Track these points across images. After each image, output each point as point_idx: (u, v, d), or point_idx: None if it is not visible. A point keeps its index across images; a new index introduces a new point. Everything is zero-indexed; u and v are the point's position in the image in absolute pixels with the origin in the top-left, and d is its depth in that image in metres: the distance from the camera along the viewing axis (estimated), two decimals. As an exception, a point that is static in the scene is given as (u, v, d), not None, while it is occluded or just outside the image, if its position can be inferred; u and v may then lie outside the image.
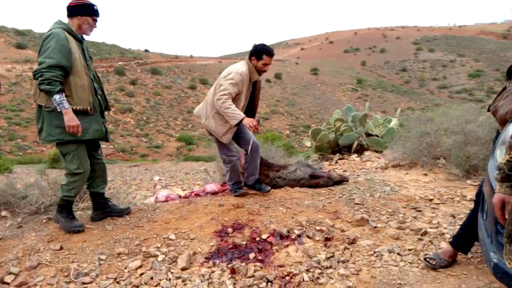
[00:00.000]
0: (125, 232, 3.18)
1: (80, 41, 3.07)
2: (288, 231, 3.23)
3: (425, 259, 2.70)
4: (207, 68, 70.25)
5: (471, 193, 3.98)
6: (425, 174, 4.74)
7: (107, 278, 2.55)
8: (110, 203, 3.47)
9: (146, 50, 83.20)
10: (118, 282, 2.51)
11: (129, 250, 2.91)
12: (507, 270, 1.80)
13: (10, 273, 2.56)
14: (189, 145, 40.07)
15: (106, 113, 3.33)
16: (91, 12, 3.06)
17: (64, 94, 2.85)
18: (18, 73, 48.45)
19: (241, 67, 3.72)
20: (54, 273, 2.61)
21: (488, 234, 2.04)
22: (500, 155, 2.21)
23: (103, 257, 2.79)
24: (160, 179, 11.07)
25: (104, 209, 3.41)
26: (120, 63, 59.15)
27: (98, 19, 3.14)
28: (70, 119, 2.85)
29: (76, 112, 2.93)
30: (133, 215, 3.50)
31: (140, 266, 2.70)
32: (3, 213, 3.48)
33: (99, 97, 3.16)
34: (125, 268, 2.68)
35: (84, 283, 2.49)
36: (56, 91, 2.79)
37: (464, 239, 2.68)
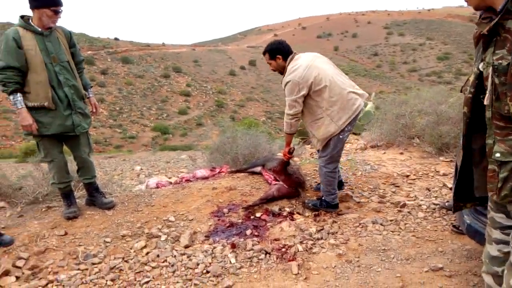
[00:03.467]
0: (126, 216, 3.32)
1: (40, 34, 2.99)
2: (280, 209, 3.47)
3: (453, 226, 3.00)
4: (180, 56, 69.20)
5: (444, 169, 4.33)
6: (401, 153, 5.08)
7: (115, 258, 2.71)
8: (97, 193, 3.51)
9: (116, 39, 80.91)
10: (126, 261, 2.68)
11: (132, 232, 3.06)
12: (478, 228, 2.11)
13: (20, 258, 2.67)
14: (165, 135, 39.70)
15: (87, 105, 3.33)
16: (49, 3, 2.94)
17: (18, 94, 2.93)
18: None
19: None
20: (62, 256, 2.74)
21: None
22: None
23: (108, 239, 2.94)
24: (141, 169, 11.08)
25: (90, 197, 3.52)
26: (89, 52, 57.35)
27: (61, 9, 3.00)
28: (22, 119, 2.95)
29: (35, 108, 3.00)
30: (131, 201, 3.64)
31: (145, 246, 2.87)
32: (1, 203, 3.55)
33: (66, 90, 3.09)
34: (131, 249, 2.84)
35: (93, 264, 2.64)
36: (9, 92, 2.91)
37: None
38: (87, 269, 2.57)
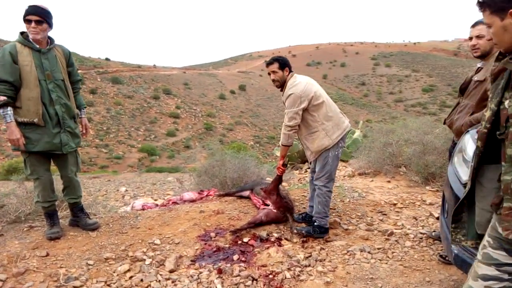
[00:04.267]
0: (110, 238, 3.24)
1: (38, 51, 3.00)
2: (268, 235, 3.43)
3: (440, 256, 3.01)
4: (171, 79, 69.63)
5: (430, 198, 4.38)
6: (389, 181, 5.13)
7: (97, 281, 2.63)
8: (81, 214, 3.43)
9: (107, 59, 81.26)
10: (109, 285, 2.60)
11: (116, 255, 2.98)
12: (465, 258, 2.11)
13: (-3, 280, 2.57)
14: (152, 156, 39.39)
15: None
16: (23, 14, 2.92)
17: (8, 108, 2.92)
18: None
19: None
20: (43, 278, 2.64)
21: (449, 230, 2.34)
22: (457, 162, 2.55)
23: (90, 262, 2.85)
24: (126, 190, 10.90)
25: (74, 217, 3.44)
26: (79, 71, 57.25)
27: (33, 18, 2.90)
28: (10, 133, 2.93)
29: (25, 123, 2.98)
30: (116, 222, 3.57)
31: (129, 270, 2.79)
32: (-20, 222, 3.43)
33: (57, 108, 3.07)
34: (114, 272, 2.76)
35: (75, 287, 2.55)
36: (0, 105, 2.89)
37: None
38: (66, 294, 2.48)
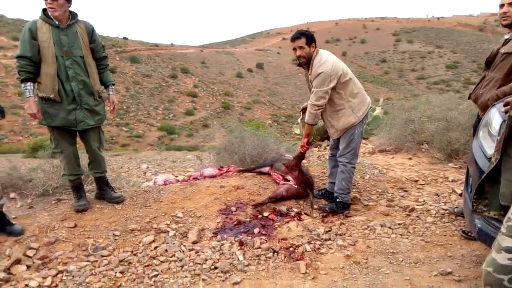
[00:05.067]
0: (134, 211, 3.34)
1: (57, 27, 3.02)
2: (288, 210, 3.47)
3: (463, 231, 2.99)
4: (188, 57, 69.46)
5: (453, 175, 4.31)
6: (410, 158, 5.06)
7: (124, 251, 2.73)
8: (106, 187, 3.54)
9: (125, 38, 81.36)
10: (135, 255, 2.69)
11: (141, 226, 3.08)
12: (489, 232, 2.09)
13: (31, 248, 2.70)
14: (171, 135, 39.83)
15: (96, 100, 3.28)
16: None
17: (29, 83, 3.00)
18: (-8, 60, 46.74)
19: None
20: (72, 248, 2.76)
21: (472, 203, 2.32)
22: (483, 136, 2.49)
23: (117, 233, 2.96)
24: (148, 167, 11.12)
25: (99, 191, 3.54)
26: (98, 50, 57.67)
27: None
28: (27, 108, 3.01)
29: (45, 98, 3.06)
30: (140, 196, 3.66)
31: (154, 241, 2.88)
32: (12, 195, 3.58)
33: (73, 84, 3.08)
34: (140, 243, 2.85)
35: (103, 256, 2.66)
36: (21, 80, 2.99)
37: None
38: (96, 261, 2.59)
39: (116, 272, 2.46)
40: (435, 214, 3.37)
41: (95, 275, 2.43)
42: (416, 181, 4.20)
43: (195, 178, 4.77)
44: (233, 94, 56.27)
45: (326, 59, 3.22)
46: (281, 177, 3.97)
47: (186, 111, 47.64)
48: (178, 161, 13.57)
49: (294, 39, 3.26)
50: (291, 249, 2.82)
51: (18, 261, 2.51)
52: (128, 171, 10.50)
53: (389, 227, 3.16)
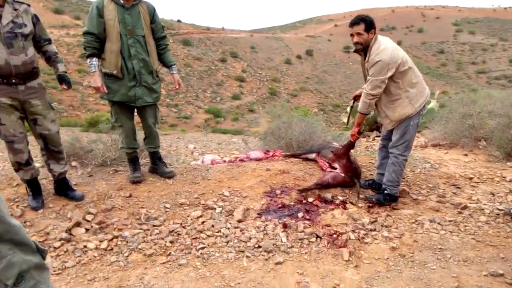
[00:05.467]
0: (184, 186, 3.49)
1: (122, 6, 3.15)
2: (333, 197, 3.46)
3: None
4: (238, 42, 69.81)
5: (511, 175, 4.06)
6: (465, 155, 4.82)
7: (173, 222, 2.88)
8: (159, 162, 3.71)
9: (179, 21, 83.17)
10: (184, 227, 2.83)
11: (190, 201, 3.22)
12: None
13: (89, 213, 2.92)
14: (217, 118, 40.54)
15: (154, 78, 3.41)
16: None
17: (94, 59, 3.16)
18: (56, 38, 49.75)
19: None
20: (126, 215, 2.95)
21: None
22: None
23: (168, 205, 3.12)
24: (195, 147, 11.42)
25: (153, 165, 3.71)
26: (153, 32, 59.45)
27: None
28: (93, 81, 3.17)
29: (107, 74, 3.23)
30: (189, 173, 3.81)
31: (201, 216, 3.01)
32: (73, 163, 3.86)
33: (134, 62, 3.22)
34: (188, 216, 2.99)
35: (154, 225, 2.82)
36: (86, 55, 3.16)
37: None
38: (148, 230, 2.75)
39: (166, 242, 2.61)
40: (489, 213, 3.21)
41: (147, 242, 2.59)
42: (470, 178, 4.01)
43: (241, 160, 4.87)
44: (281, 80, 55.99)
45: (385, 47, 3.09)
46: (327, 164, 3.94)
47: (233, 95, 48.17)
48: (223, 144, 13.83)
49: (352, 24, 3.16)
50: (334, 236, 2.83)
51: (78, 224, 2.72)
52: (176, 150, 10.88)
53: (439, 223, 3.06)
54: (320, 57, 70.45)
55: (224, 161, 5.03)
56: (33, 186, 2.96)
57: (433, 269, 2.46)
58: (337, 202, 3.40)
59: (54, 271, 2.26)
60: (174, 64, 3.58)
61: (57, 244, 2.51)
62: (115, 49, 3.17)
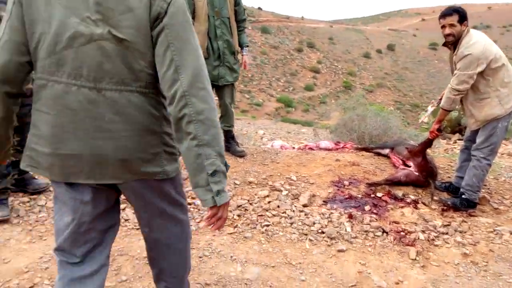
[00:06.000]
0: (253, 166, 3.60)
1: None
2: (404, 195, 3.33)
3: None
4: (316, 32, 68.67)
5: None
6: None
7: (241, 198, 3.00)
8: (232, 141, 3.84)
9: (259, 8, 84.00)
10: (250, 203, 2.94)
11: (258, 181, 3.32)
12: None
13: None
14: (288, 108, 40.57)
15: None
16: None
17: None
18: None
19: None
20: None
21: None
22: None
23: (237, 182, 3.25)
24: (264, 133, 11.62)
25: (226, 143, 3.85)
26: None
27: None
28: None
29: None
30: (259, 155, 3.91)
31: (268, 195, 3.09)
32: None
33: (219, 43, 3.37)
34: (255, 195, 3.09)
35: (223, 199, 2.96)
36: None
37: None
38: (218, 202, 2.90)
39: (234, 215, 2.74)
40: None
41: (216, 212, 2.74)
42: None
43: (311, 148, 4.87)
44: (357, 74, 54.20)
45: (477, 40, 2.88)
46: (401, 161, 3.80)
47: (306, 86, 47.75)
48: (292, 133, 13.86)
49: (445, 15, 2.98)
50: (402, 233, 2.75)
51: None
52: (247, 134, 11.18)
53: (521, 236, 2.81)
54: (402, 52, 66.71)
55: (293, 148, 5.08)
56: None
57: (509, 282, 2.29)
58: (408, 200, 3.28)
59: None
60: (248, 46, 3.74)
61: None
62: (202, 29, 3.33)
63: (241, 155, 3.75)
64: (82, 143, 1.20)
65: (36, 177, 2.81)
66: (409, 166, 3.64)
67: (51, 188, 2.76)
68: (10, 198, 2.50)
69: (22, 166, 1.31)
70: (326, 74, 52.70)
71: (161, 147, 1.30)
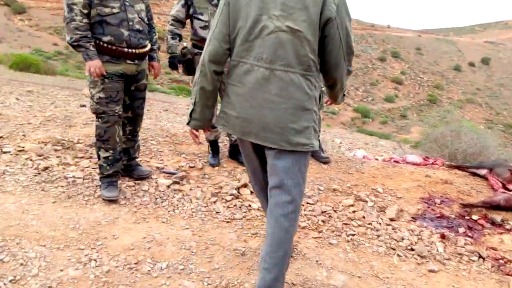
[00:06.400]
0: (338, 174, 3.57)
1: None
2: (503, 221, 3.06)
3: None
4: (402, 41, 65.50)
5: None
6: None
7: (325, 205, 2.99)
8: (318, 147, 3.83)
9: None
10: (335, 211, 2.92)
11: (342, 189, 3.28)
12: None
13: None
14: (365, 118, 39.25)
15: None
16: None
17: None
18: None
19: None
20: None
21: None
22: None
23: (321, 188, 3.25)
24: (341, 142, 11.41)
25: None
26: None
27: None
28: None
29: None
30: (343, 163, 3.87)
31: (352, 205, 3.04)
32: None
33: None
34: (339, 203, 3.06)
35: (308, 203, 2.98)
36: None
37: None
38: (303, 205, 2.93)
39: (318, 220, 2.74)
40: None
41: (301, 216, 2.77)
42: None
43: (396, 161, 4.68)
44: (444, 88, 50.63)
45: None
46: (501, 184, 3.49)
47: (386, 97, 45.80)
48: (370, 144, 13.39)
49: None
50: (501, 261, 2.52)
51: (245, 185, 3.08)
52: (325, 142, 11.08)
53: None
54: (498, 67, 60.80)
55: (376, 159, 4.92)
56: (214, 146, 3.45)
57: None
58: (508, 227, 3.00)
59: (225, 218, 2.63)
60: None
61: (228, 198, 2.89)
62: None
63: (325, 161, 3.74)
64: (253, 111, 1.60)
65: (141, 164, 3.10)
66: (510, 190, 3.34)
67: (153, 176, 3.02)
68: (119, 181, 2.79)
69: (217, 125, 1.76)
70: (409, 86, 50.03)
71: (311, 122, 1.64)
